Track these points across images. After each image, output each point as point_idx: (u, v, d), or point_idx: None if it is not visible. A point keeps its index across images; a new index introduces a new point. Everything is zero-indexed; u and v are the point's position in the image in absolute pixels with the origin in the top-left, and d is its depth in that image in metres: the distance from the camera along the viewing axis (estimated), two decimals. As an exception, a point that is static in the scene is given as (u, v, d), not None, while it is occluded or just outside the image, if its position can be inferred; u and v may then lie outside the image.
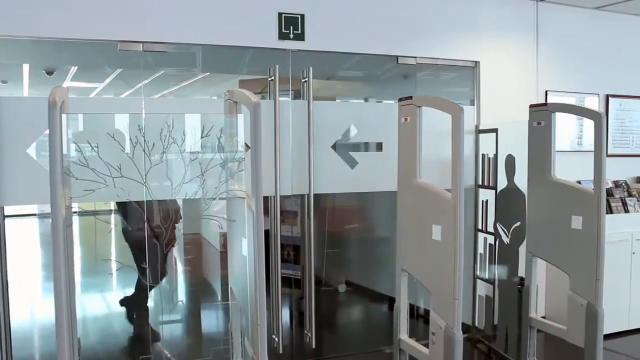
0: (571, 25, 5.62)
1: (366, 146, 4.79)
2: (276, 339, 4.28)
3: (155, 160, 2.83)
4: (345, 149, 4.79)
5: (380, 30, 4.66)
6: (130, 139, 2.78)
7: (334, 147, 4.99)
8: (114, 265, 3.74)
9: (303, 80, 4.31)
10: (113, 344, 4.83)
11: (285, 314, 4.51)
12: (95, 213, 3.35)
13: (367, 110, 5.20)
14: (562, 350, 4.20)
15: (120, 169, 2.76)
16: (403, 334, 3.61)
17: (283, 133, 4.21)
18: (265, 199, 4.15)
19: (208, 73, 5.70)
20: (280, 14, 4.27)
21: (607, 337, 4.43)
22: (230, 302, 3.20)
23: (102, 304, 5.56)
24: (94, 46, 4.00)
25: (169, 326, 4.34)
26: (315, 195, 4.44)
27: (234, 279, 3.12)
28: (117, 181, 2.76)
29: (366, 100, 6.46)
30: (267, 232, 4.18)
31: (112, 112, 3.09)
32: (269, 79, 4.31)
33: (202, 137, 2.93)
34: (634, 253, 5.23)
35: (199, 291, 5.38)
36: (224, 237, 3.70)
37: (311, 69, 4.24)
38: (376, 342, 4.91)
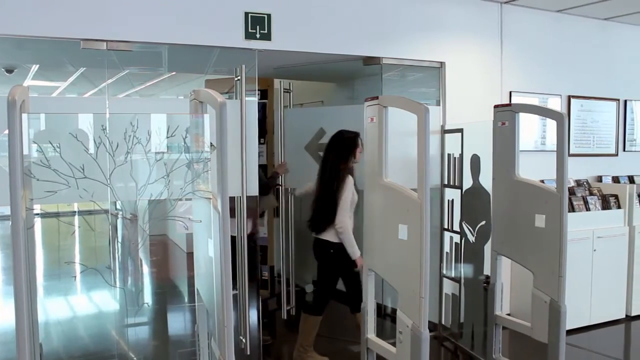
0: (534, 27, 5.72)
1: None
2: (244, 340, 4.26)
3: (120, 160, 2.79)
4: (316, 149, 4.85)
5: (347, 31, 4.68)
6: (94, 139, 2.74)
7: (306, 148, 5.06)
8: (77, 268, 3.67)
9: (236, 79, 4.28)
10: (76, 349, 4.74)
11: (253, 315, 4.48)
12: (57, 215, 3.28)
13: (335, 112, 5.22)
14: (526, 347, 4.27)
15: (83, 169, 2.71)
16: (370, 333, 3.62)
17: (249, 133, 4.18)
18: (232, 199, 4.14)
19: (174, 73, 5.65)
20: (246, 14, 4.25)
21: (570, 332, 4.53)
22: (196, 304, 3.17)
23: (65, 308, 5.46)
24: (56, 44, 3.92)
25: (134, 329, 4.27)
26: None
27: (200, 280, 3.09)
28: (80, 182, 2.71)
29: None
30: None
31: (75, 112, 3.03)
32: (236, 79, 4.28)
33: (167, 137, 2.90)
34: (595, 250, 5.35)
35: (165, 293, 5.32)
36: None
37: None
38: (344, 341, 4.93)
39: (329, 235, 4.31)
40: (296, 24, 4.46)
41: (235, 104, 4.14)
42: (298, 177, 5.09)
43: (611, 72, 6.32)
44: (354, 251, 4.22)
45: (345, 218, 4.19)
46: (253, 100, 4.30)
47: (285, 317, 5.34)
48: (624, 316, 5.73)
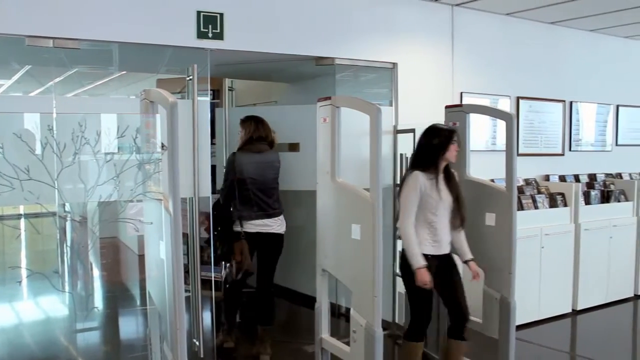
0: (485, 30, 5.83)
1: (284, 147, 4.83)
2: (197, 343, 4.21)
3: (68, 162, 2.72)
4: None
5: (300, 31, 4.67)
6: (40, 140, 2.67)
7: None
8: (23, 273, 3.57)
9: (188, 79, 4.23)
10: (22, 356, 4.59)
11: (206, 317, 4.43)
12: (1, 218, 3.19)
13: (286, 112, 5.19)
14: (478, 342, 4.34)
15: (28, 171, 2.63)
16: (324, 333, 3.64)
17: (202, 133, 4.14)
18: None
19: (124, 72, 5.53)
20: (199, 13, 4.20)
21: (520, 327, 4.63)
22: (148, 307, 3.12)
23: (10, 314, 5.29)
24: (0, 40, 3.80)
25: (83, 334, 4.18)
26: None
27: (152, 282, 3.04)
28: (25, 184, 2.63)
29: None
30: (185, 234, 4.12)
31: (21, 112, 2.95)
32: (187, 79, 4.23)
33: (117, 138, 2.85)
34: (543, 247, 5.49)
35: (117, 297, 5.21)
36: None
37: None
38: (298, 341, 4.92)
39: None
40: (249, 23, 4.43)
41: (187, 104, 4.09)
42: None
43: (558, 74, 6.49)
44: (412, 262, 3.52)
45: (406, 220, 3.55)
46: (205, 100, 4.26)
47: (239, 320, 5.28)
48: (570, 310, 5.90)
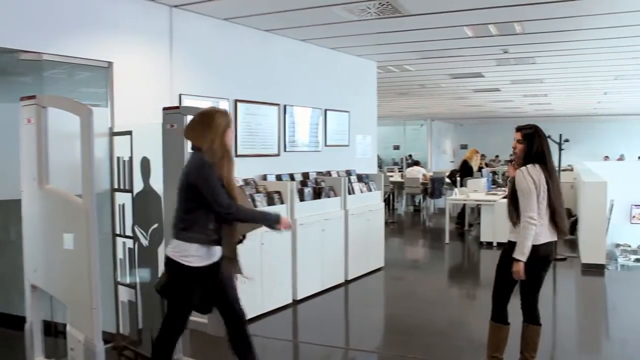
0: (204, 33, 5.91)
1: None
2: None
3: None
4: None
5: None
6: None
7: None
8: None
9: None
10: None
11: None
12: None
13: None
14: (205, 343, 4.39)
15: None
16: (38, 356, 3.32)
17: None
18: None
19: None
20: None
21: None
22: None
23: None
24: None
25: None
26: None
27: None
28: None
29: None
30: None
31: None
32: None
33: None
34: (263, 244, 5.77)
35: None
36: None
37: None
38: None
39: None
40: None
41: None
42: None
43: (272, 79, 6.89)
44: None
45: None
46: None
47: None
48: (291, 301, 6.33)
